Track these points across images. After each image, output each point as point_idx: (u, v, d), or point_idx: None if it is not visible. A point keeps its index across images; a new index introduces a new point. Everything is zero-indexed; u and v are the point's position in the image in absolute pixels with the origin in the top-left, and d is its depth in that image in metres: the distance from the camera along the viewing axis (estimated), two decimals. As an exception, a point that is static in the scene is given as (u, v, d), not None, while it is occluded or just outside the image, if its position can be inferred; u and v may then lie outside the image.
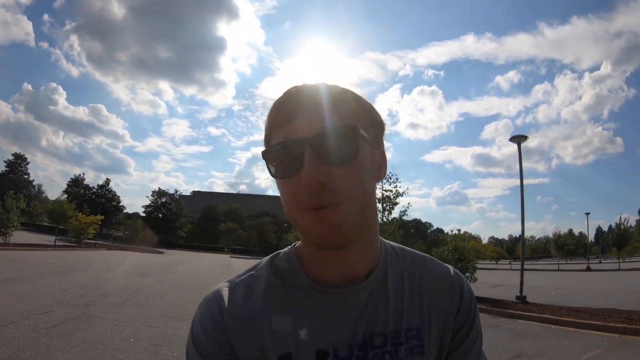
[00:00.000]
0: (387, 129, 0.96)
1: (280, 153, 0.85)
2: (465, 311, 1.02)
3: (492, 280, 23.54)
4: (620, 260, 50.46)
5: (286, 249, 1.04)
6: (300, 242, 1.01)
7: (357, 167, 0.84)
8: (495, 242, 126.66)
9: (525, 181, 17.55)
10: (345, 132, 0.83)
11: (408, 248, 1.09)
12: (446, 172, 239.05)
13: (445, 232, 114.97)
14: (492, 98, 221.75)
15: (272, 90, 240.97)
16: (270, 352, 0.88)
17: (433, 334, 0.97)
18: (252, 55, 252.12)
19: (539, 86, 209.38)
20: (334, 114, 0.85)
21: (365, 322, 0.92)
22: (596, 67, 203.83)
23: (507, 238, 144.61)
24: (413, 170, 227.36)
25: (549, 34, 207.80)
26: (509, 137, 17.66)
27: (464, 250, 18.30)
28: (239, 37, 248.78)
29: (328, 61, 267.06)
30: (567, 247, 65.88)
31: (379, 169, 0.95)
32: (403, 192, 20.26)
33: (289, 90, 0.89)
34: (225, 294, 0.95)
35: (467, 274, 17.00)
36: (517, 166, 17.00)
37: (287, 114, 0.86)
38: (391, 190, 20.31)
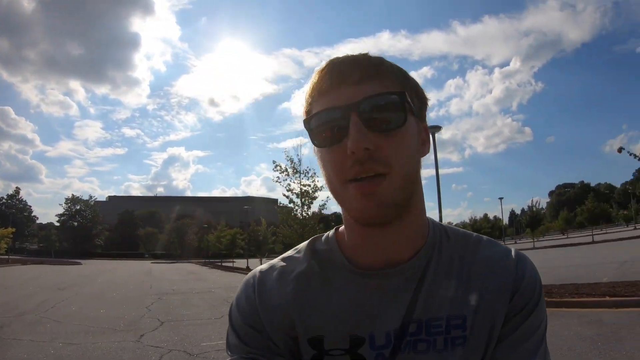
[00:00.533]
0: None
1: (323, 120, 0.82)
2: (524, 296, 0.88)
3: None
4: (534, 240, 53.91)
5: (328, 232, 1.01)
6: (342, 226, 0.97)
7: (404, 137, 0.81)
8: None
9: (440, 171, 18.12)
10: (393, 98, 0.80)
11: (462, 229, 0.99)
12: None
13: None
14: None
15: (187, 88, 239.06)
16: (301, 334, 0.87)
17: (479, 323, 0.86)
18: (167, 52, 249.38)
19: (451, 81, 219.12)
20: (380, 82, 0.82)
21: (405, 308, 0.86)
22: (506, 63, 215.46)
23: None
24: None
25: (461, 31, 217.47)
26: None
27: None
28: (153, 33, 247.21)
29: (245, 57, 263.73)
30: (483, 230, 68.49)
31: (423, 144, 0.90)
32: (322, 186, 20.42)
33: (331, 59, 0.87)
34: (261, 275, 0.95)
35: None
36: (432, 156, 17.39)
37: (331, 81, 0.83)
38: (309, 185, 20.51)
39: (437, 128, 17.93)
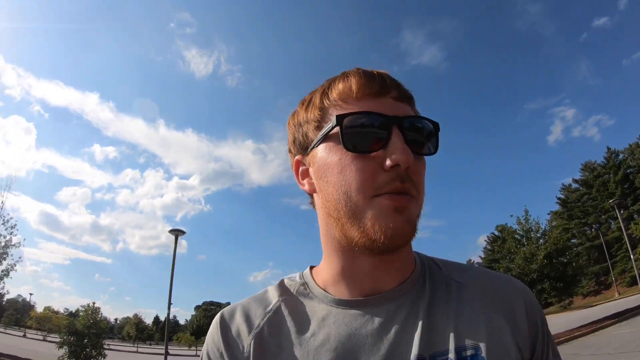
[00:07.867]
0: None
1: (364, 123, 0.75)
2: (538, 316, 0.84)
3: None
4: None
5: (301, 272, 0.94)
6: (315, 266, 0.92)
7: (425, 165, 0.81)
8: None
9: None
10: (432, 126, 0.80)
11: (449, 260, 0.93)
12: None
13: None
14: (84, 164, 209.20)
15: None
16: None
17: (505, 351, 0.76)
18: None
19: (130, 170, 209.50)
20: (411, 107, 0.82)
21: (405, 340, 0.75)
22: (187, 176, 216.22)
23: (62, 310, 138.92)
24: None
25: (163, 131, 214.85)
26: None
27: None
28: None
29: None
30: (126, 329, 66.44)
31: None
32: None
33: (362, 69, 0.82)
34: (225, 316, 0.87)
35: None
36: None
37: (371, 88, 0.79)
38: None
39: (181, 232, 16.99)
